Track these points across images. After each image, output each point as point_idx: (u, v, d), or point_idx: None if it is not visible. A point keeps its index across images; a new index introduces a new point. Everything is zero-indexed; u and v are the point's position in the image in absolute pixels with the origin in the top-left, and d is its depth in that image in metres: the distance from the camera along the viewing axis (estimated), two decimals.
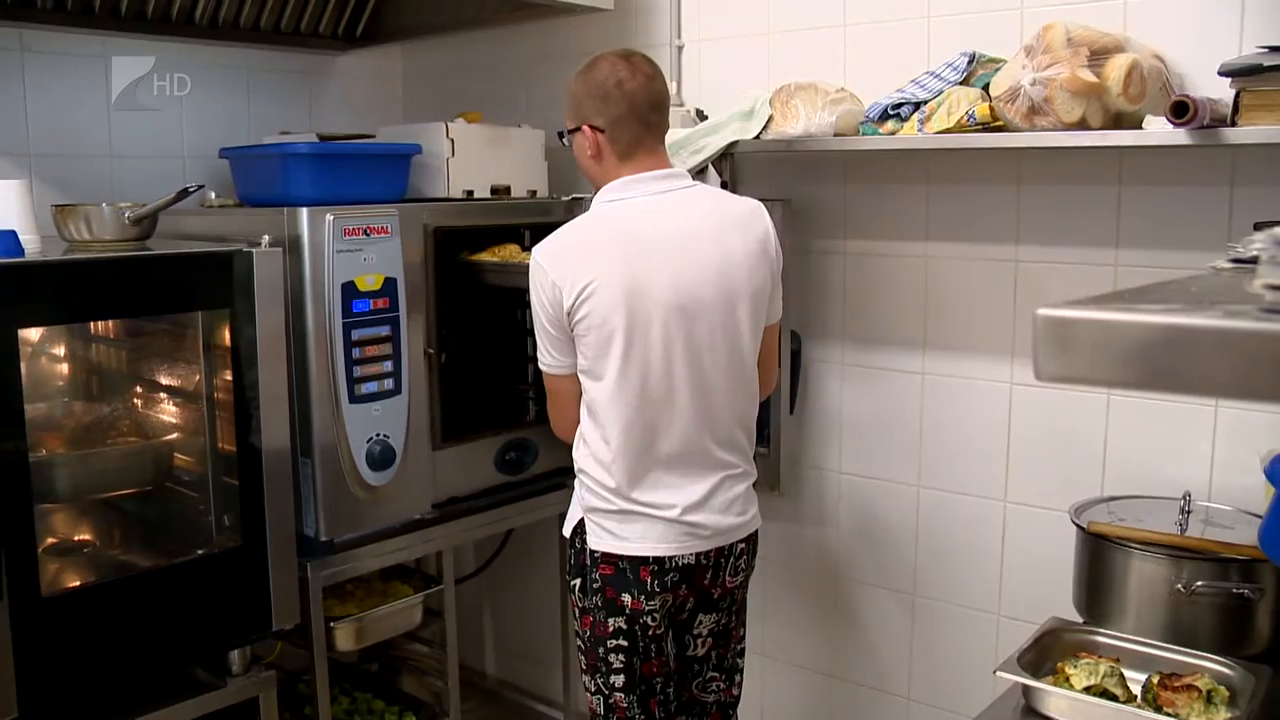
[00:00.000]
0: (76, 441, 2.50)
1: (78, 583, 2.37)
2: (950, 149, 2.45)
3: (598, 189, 2.34)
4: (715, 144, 2.70)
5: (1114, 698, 1.87)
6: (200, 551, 2.48)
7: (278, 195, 2.64)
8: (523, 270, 2.37)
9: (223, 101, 3.22)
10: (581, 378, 2.24)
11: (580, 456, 2.29)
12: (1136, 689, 1.91)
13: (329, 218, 2.48)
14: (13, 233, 2.17)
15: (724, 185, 2.95)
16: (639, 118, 2.25)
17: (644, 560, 2.23)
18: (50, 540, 2.48)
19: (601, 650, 2.28)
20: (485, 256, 2.89)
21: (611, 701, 2.31)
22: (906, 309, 2.77)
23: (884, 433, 2.86)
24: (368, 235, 2.54)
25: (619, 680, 2.29)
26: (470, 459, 2.86)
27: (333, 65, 3.54)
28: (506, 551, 3.56)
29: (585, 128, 2.28)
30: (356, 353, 2.54)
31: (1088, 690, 1.87)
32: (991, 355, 2.65)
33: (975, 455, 2.72)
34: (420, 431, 2.71)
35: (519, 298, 3.22)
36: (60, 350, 2.59)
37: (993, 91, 2.28)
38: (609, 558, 2.24)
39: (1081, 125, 2.16)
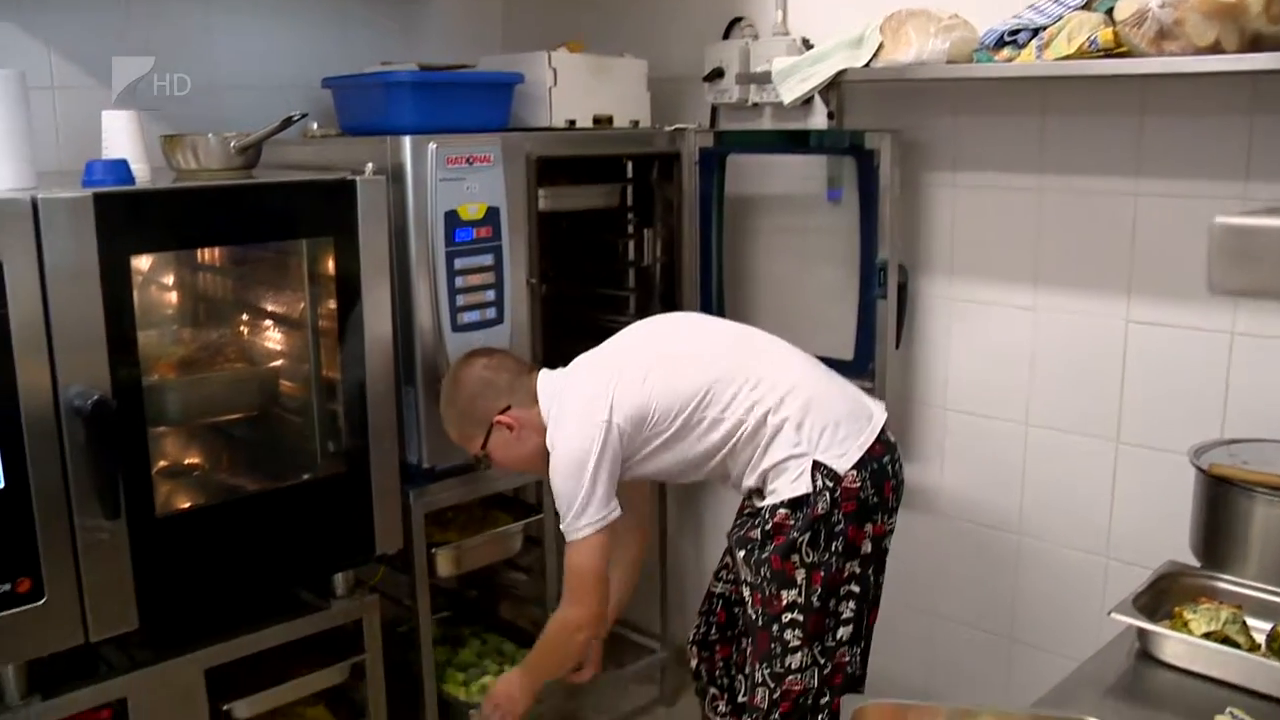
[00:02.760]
0: (185, 367, 2.54)
1: (188, 504, 2.42)
2: (1070, 77, 2.35)
3: (543, 460, 2.31)
4: (822, 72, 2.63)
5: (1236, 645, 1.80)
6: (306, 476, 2.51)
7: (380, 124, 2.63)
8: None
9: (323, 32, 3.20)
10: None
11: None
12: (1260, 638, 1.84)
13: (432, 146, 2.47)
14: (124, 162, 2.19)
15: (830, 116, 2.89)
16: (512, 367, 2.41)
17: (881, 468, 2.25)
18: (162, 464, 2.53)
19: (833, 603, 2.23)
20: None
21: (831, 664, 2.25)
22: (1018, 243, 2.69)
23: (992, 369, 2.79)
24: (470, 164, 2.52)
25: (846, 632, 2.26)
26: None
27: None
28: None
29: (495, 420, 2.34)
30: (459, 281, 2.55)
31: (1208, 636, 1.81)
32: (1107, 291, 2.57)
33: (1087, 394, 2.64)
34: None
35: (620, 229, 3.20)
36: (169, 279, 2.63)
37: (1117, 16, 2.17)
38: (850, 493, 2.20)
39: (1215, 50, 2.05)
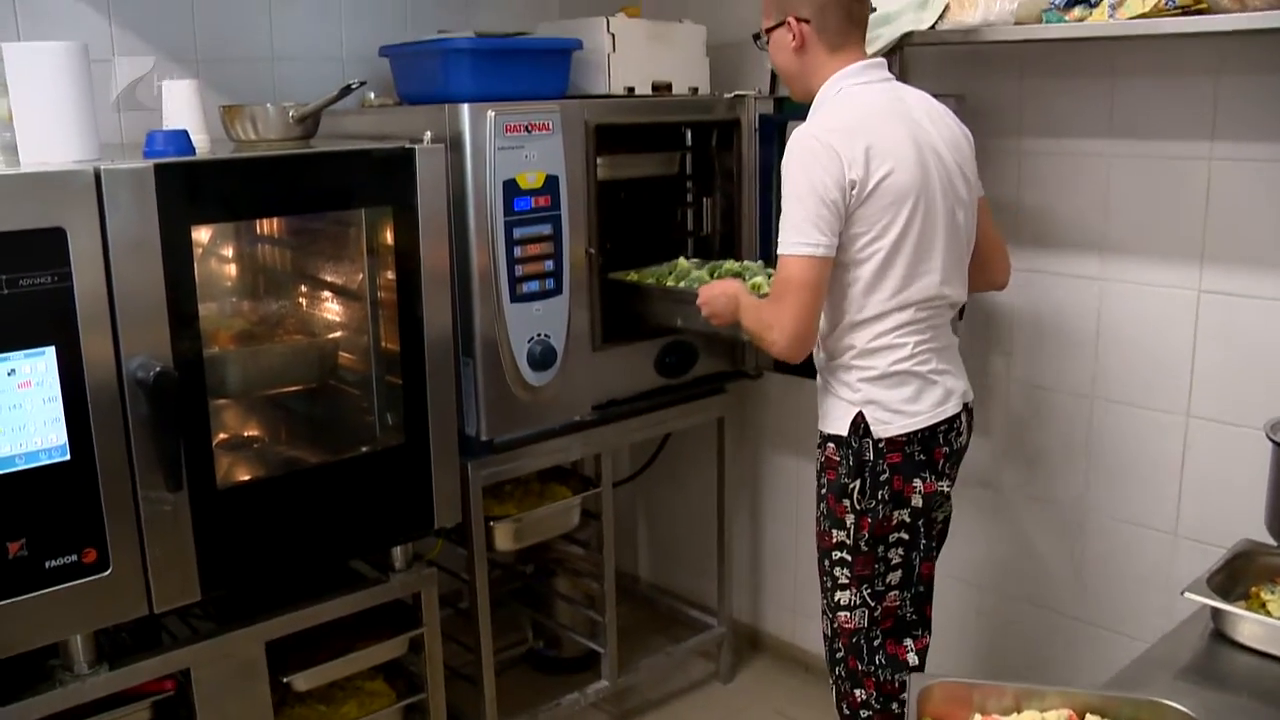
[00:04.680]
0: (245, 339, 2.55)
1: (249, 477, 2.43)
2: (1144, 36, 2.27)
3: (800, 90, 2.32)
4: (888, 35, 2.57)
5: None
6: (364, 449, 2.51)
7: (438, 92, 2.61)
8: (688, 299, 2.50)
9: (380, 1, 3.18)
10: (856, 253, 2.15)
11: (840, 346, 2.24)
12: None
13: (490, 114, 2.45)
14: (184, 132, 2.19)
15: None
16: (844, 7, 2.22)
17: (934, 435, 2.23)
18: (222, 436, 2.54)
19: (881, 549, 2.24)
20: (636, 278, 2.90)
21: (881, 607, 2.27)
22: (1085, 210, 2.63)
23: (1057, 340, 2.74)
24: (529, 132, 2.50)
25: (895, 577, 2.27)
26: (630, 361, 2.83)
27: None
28: (662, 456, 3.55)
29: (790, 20, 2.23)
30: (518, 251, 2.53)
31: None
32: (1178, 260, 2.50)
33: (1156, 366, 2.58)
34: (581, 332, 2.70)
35: (679, 199, 3.16)
36: (228, 251, 2.63)
37: None
38: (895, 444, 2.20)
39: None
